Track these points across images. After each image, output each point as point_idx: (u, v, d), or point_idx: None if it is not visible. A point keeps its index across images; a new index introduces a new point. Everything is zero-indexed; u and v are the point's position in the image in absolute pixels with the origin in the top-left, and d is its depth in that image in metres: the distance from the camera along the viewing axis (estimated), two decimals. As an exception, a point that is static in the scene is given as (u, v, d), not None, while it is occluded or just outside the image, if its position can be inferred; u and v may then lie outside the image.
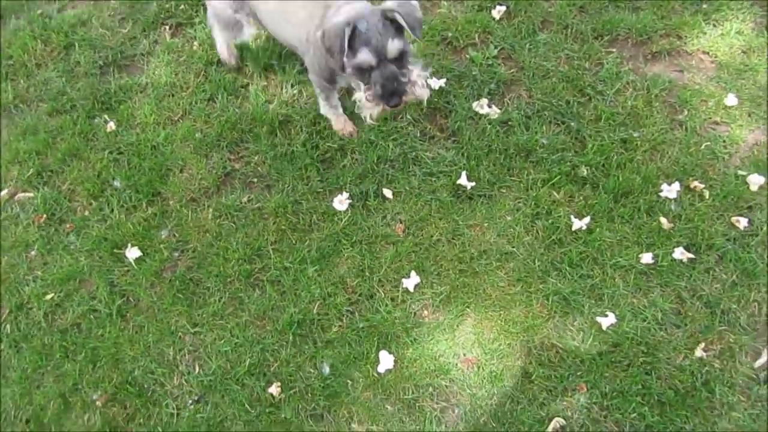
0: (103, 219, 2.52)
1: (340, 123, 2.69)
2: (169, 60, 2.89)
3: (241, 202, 2.54)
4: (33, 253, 2.46)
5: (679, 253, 2.36)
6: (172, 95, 2.80)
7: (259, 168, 2.62)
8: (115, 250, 2.44)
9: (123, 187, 2.57)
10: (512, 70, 2.82)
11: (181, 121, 2.74)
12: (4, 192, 2.58)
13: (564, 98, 2.72)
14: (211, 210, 2.52)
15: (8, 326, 2.33)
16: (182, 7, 3.03)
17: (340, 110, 2.68)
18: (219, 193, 2.58)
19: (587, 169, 2.54)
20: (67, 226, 2.52)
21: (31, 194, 2.59)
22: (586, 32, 2.89)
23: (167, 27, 3.01)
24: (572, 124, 2.66)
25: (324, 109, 2.66)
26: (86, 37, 2.96)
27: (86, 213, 2.54)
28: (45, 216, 2.53)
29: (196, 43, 2.94)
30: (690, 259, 2.33)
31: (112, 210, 2.53)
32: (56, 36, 2.95)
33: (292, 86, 2.82)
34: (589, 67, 2.81)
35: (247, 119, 2.72)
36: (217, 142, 2.67)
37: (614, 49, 2.85)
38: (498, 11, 2.96)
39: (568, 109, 2.69)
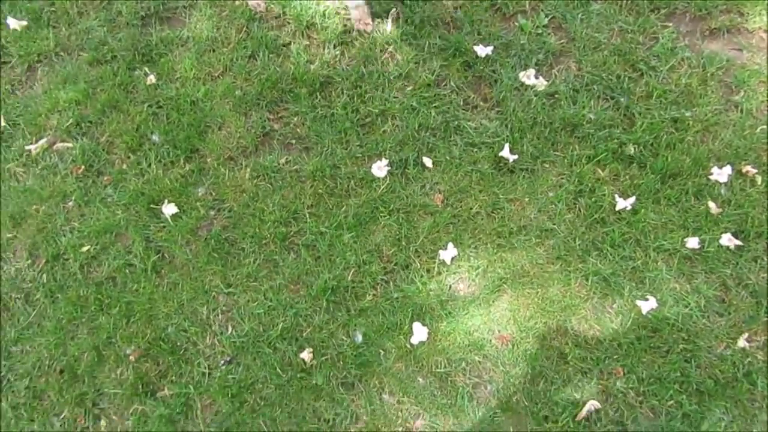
0: (140, 173, 2.50)
1: (357, 11, 2.71)
2: (211, 14, 2.83)
3: (279, 164, 2.51)
4: (70, 204, 2.46)
5: (727, 240, 2.28)
6: (213, 50, 2.75)
7: (298, 129, 2.58)
8: (151, 206, 2.43)
9: (161, 141, 2.55)
10: (562, 41, 2.71)
11: (221, 77, 2.70)
12: (43, 141, 2.57)
13: (615, 73, 2.61)
14: (248, 170, 2.49)
15: (44, 276, 2.35)
16: (225, -39, 2.96)
17: None
18: (257, 153, 2.54)
19: (635, 148, 2.46)
20: (105, 178, 2.51)
21: (70, 144, 2.58)
22: (642, 5, 2.76)
23: (209, -19, 2.94)
24: (621, 99, 2.56)
25: None
26: (128, -13, 2.92)
27: (124, 166, 2.52)
28: (83, 167, 2.52)
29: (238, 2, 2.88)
30: (737, 247, 2.26)
31: (150, 164, 2.51)
32: (97, -16, 2.91)
33: (334, 47, 2.75)
34: (642, 42, 2.69)
35: (288, 79, 2.66)
36: (257, 101, 2.63)
37: (671, 24, 2.72)
38: (551, -22, 2.84)
39: (618, 84, 2.59)
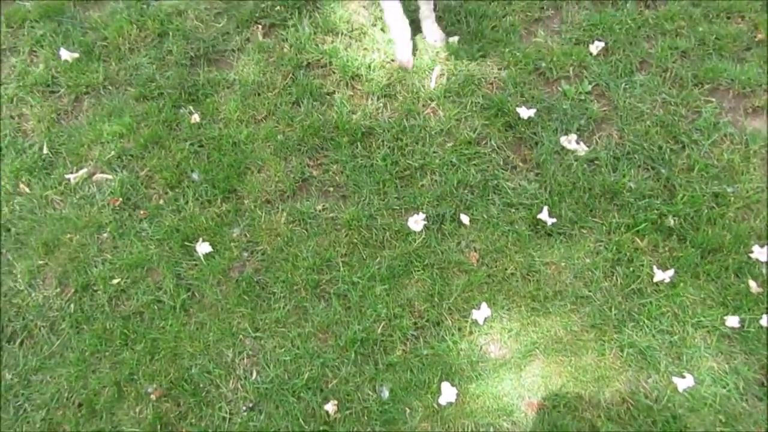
0: (177, 210, 2.51)
1: (402, 51, 2.82)
2: (259, 59, 2.89)
3: (316, 210, 2.50)
4: (105, 235, 2.46)
5: (767, 321, 2.22)
6: (258, 94, 2.79)
7: (336, 177, 2.58)
8: (185, 243, 2.42)
9: (200, 180, 2.56)
10: (604, 109, 2.72)
11: (264, 121, 2.73)
12: (84, 171, 2.60)
13: (656, 143, 2.61)
14: (284, 214, 2.49)
15: (72, 306, 2.33)
16: (278, 8, 3.03)
17: (407, 31, 2.79)
18: (294, 198, 2.54)
19: (675, 220, 2.43)
20: (141, 212, 2.51)
21: (110, 176, 2.60)
22: (686, 78, 2.78)
23: (260, 26, 3.01)
24: (662, 170, 2.55)
25: (389, 17, 2.78)
26: (181, 27, 2.98)
27: (161, 202, 2.53)
28: (120, 200, 2.53)
29: (287, 45, 2.93)
30: (780, 329, 2.20)
31: (187, 202, 2.52)
32: (152, 23, 2.98)
33: (377, 99, 2.78)
34: (685, 114, 2.70)
35: (330, 127, 2.69)
36: (298, 147, 2.65)
37: (714, 99, 2.73)
38: (596, 47, 2.87)
39: (659, 155, 2.59)
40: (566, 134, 2.65)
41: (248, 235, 2.46)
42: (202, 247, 2.40)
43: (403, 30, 2.81)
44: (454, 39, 2.93)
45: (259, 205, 2.52)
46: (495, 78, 2.83)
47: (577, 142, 2.65)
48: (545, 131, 2.66)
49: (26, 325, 2.32)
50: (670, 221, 2.44)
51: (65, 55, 2.86)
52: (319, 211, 2.51)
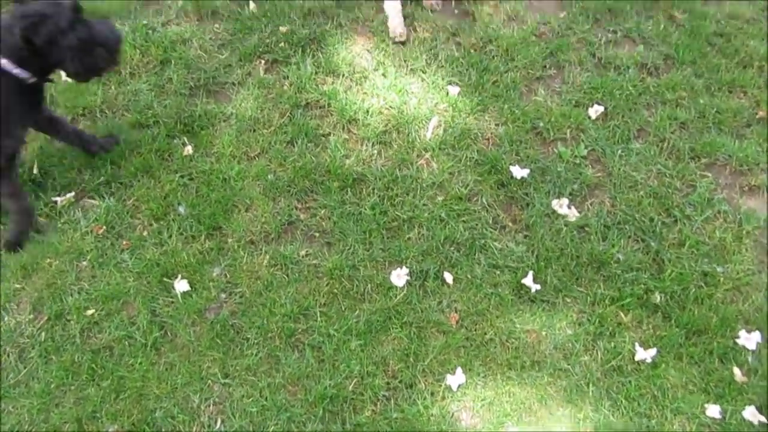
0: (159, 243, 2.48)
1: (394, 22, 3.09)
2: (258, 95, 2.88)
3: (299, 255, 2.47)
4: (84, 263, 2.43)
5: (750, 414, 2.17)
6: (254, 131, 2.78)
7: (323, 223, 2.56)
8: (164, 278, 2.39)
9: (186, 214, 2.54)
10: (599, 174, 2.70)
11: (257, 158, 2.71)
12: (71, 195, 2.57)
13: (648, 215, 2.59)
14: (267, 257, 2.46)
15: (43, 334, 2.29)
16: (282, 45, 3.03)
17: (399, 8, 3.11)
18: (279, 241, 2.51)
19: (661, 297, 2.39)
20: (124, 242, 2.48)
21: (97, 202, 2.57)
22: (683, 150, 2.76)
23: (263, 61, 3.01)
24: (652, 244, 2.52)
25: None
26: (183, 56, 2.98)
27: (145, 233, 2.51)
28: (104, 228, 2.50)
29: (287, 82, 2.93)
30: (762, 423, 2.14)
31: (171, 236, 2.49)
32: (155, 49, 2.98)
33: (372, 145, 2.76)
34: (680, 187, 2.67)
35: (322, 170, 2.67)
36: (288, 188, 2.63)
37: (710, 174, 2.71)
38: (595, 110, 2.86)
39: (650, 227, 2.56)
40: (558, 198, 2.63)
41: (228, 276, 2.43)
42: (180, 285, 2.37)
43: (396, 6, 3.14)
44: (455, 90, 2.92)
45: (243, 245, 2.49)
46: (492, 133, 2.81)
47: (569, 207, 2.62)
48: (537, 193, 2.64)
49: (-5, 349, 2.29)
50: (657, 297, 2.40)
51: (65, 75, 2.85)
52: (302, 257, 2.48)
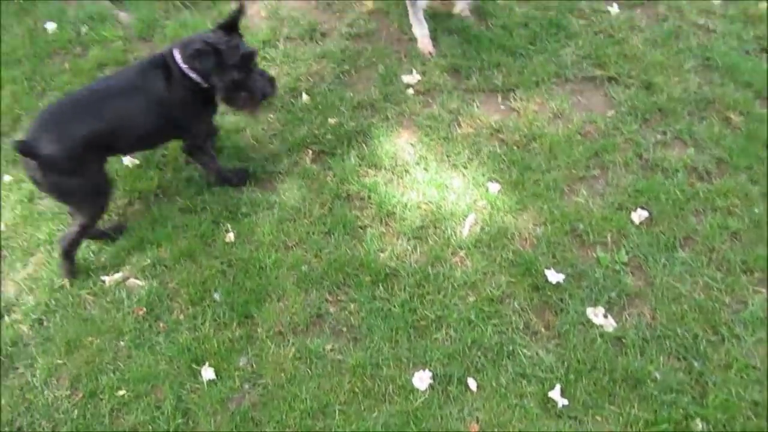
0: (193, 328, 2.57)
1: (424, 42, 3.53)
2: (302, 185, 2.99)
3: (324, 350, 2.49)
4: (122, 343, 2.55)
5: None
6: (294, 220, 2.88)
7: (351, 317, 2.58)
8: (193, 365, 2.47)
9: (221, 300, 2.63)
10: (639, 283, 2.60)
11: (294, 248, 2.79)
12: (119, 275, 2.73)
13: (692, 330, 2.45)
14: (293, 349, 2.50)
15: (76, 411, 2.39)
16: (329, 136, 3.15)
17: (426, 28, 3.53)
18: (306, 333, 2.55)
19: (703, 425, 2.24)
20: (161, 325, 2.59)
21: (142, 283, 2.71)
22: (734, 262, 2.62)
23: (310, 152, 3.13)
24: (695, 363, 2.38)
25: (412, 21, 3.54)
26: (236, 144, 3.15)
27: (181, 317, 2.61)
28: (145, 309, 2.63)
29: (331, 174, 3.02)
30: None
31: (204, 322, 2.58)
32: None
33: (408, 240, 2.79)
34: (729, 303, 2.53)
35: (356, 263, 2.71)
36: (320, 280, 2.68)
37: (764, 290, 2.56)
38: (639, 215, 2.78)
39: (694, 345, 2.42)
40: (594, 306, 2.54)
41: (254, 366, 2.47)
42: (207, 373, 2.44)
43: (423, 27, 3.52)
44: (495, 188, 2.93)
45: (271, 335, 2.54)
46: (529, 234, 2.78)
47: (605, 316, 2.53)
48: (573, 299, 2.57)
49: (32, 422, 2.40)
50: (698, 425, 2.24)
51: (127, 161, 3.08)
52: (328, 351, 2.49)
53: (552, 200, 2.87)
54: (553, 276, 2.63)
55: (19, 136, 3.22)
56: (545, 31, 3.56)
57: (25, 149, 2.40)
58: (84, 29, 3.69)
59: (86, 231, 2.69)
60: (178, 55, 2.60)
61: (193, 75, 2.60)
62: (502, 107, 3.28)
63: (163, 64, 2.62)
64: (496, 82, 3.34)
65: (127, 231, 2.86)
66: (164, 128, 2.72)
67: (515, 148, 3.09)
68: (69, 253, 2.69)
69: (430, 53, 3.50)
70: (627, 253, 2.68)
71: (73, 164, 2.47)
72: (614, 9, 3.68)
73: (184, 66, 2.59)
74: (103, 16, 3.75)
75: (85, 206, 2.64)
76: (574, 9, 3.69)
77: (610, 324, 2.51)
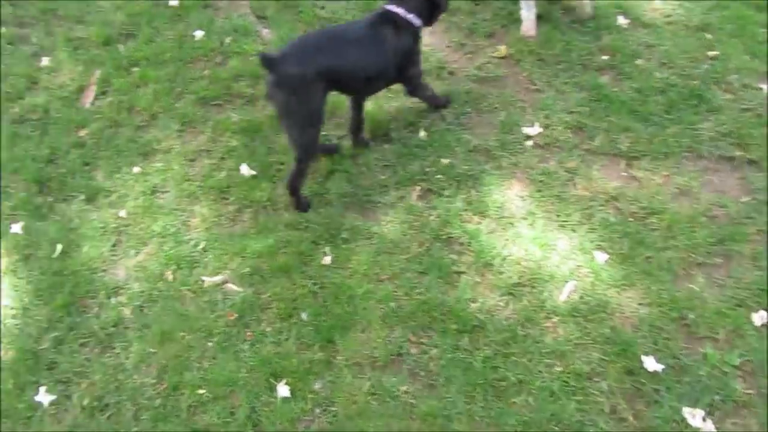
0: (277, 343, 2.63)
1: (527, 25, 3.75)
2: (404, 220, 3.00)
3: (399, 390, 2.47)
4: (210, 344, 2.66)
5: None
6: (391, 254, 2.89)
7: (431, 363, 2.54)
8: (271, 379, 2.52)
9: (308, 321, 2.68)
10: (750, 392, 2.38)
11: (386, 282, 2.80)
12: (219, 278, 2.86)
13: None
14: (368, 383, 2.49)
15: (159, 400, 2.52)
16: (439, 176, 3.14)
17: (533, 12, 3.73)
18: (384, 370, 2.54)
19: None
20: (248, 333, 2.68)
21: (238, 289, 2.82)
22: None
23: (418, 188, 3.14)
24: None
25: (521, 3, 3.74)
26: (349, 170, 3.21)
27: (268, 329, 2.68)
28: (236, 315, 2.73)
29: (435, 214, 3.01)
30: None
31: (288, 339, 2.64)
32: (325, 159, 3.26)
33: (501, 294, 2.72)
34: None
35: (444, 309, 2.67)
36: (407, 319, 2.66)
37: None
38: (760, 317, 2.55)
39: (802, 473, 2.18)
40: (693, 406, 2.35)
41: (328, 392, 2.49)
42: (282, 389, 2.48)
43: (531, 9, 3.72)
44: (602, 257, 2.79)
45: (350, 365, 2.55)
46: (631, 313, 2.63)
47: (704, 420, 2.33)
48: (669, 393, 2.39)
49: (119, 402, 2.55)
50: None
51: (245, 170, 3.22)
52: (402, 392, 2.47)
53: (663, 282, 2.69)
54: (651, 364, 2.46)
55: (154, 131, 3.48)
56: (684, 101, 3.37)
57: (266, 62, 2.79)
58: (227, 40, 3.92)
59: (302, 167, 3.00)
60: (399, 10, 3.04)
61: (416, 21, 3.07)
62: (624, 174, 3.13)
63: (388, 19, 3.04)
64: (621, 147, 3.20)
65: (233, 236, 2.99)
66: (390, 73, 3.12)
67: (631, 219, 2.94)
68: (295, 190, 3.04)
69: (531, 37, 3.71)
70: (740, 356, 2.46)
71: (303, 87, 2.84)
72: (767, 88, 3.44)
73: (409, 15, 3.04)
74: (247, 30, 3.97)
75: (302, 131, 2.94)
76: (721, 81, 3.47)
77: (708, 429, 2.31)
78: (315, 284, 2.81)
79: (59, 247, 3.01)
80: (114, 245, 3.03)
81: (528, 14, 3.73)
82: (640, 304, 2.66)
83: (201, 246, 3.00)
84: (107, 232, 3.07)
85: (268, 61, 2.79)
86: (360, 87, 3.14)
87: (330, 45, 2.95)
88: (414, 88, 3.30)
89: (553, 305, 2.68)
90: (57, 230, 3.08)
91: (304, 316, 2.71)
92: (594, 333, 2.58)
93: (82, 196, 3.22)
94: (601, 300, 2.68)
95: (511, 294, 2.74)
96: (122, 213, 3.14)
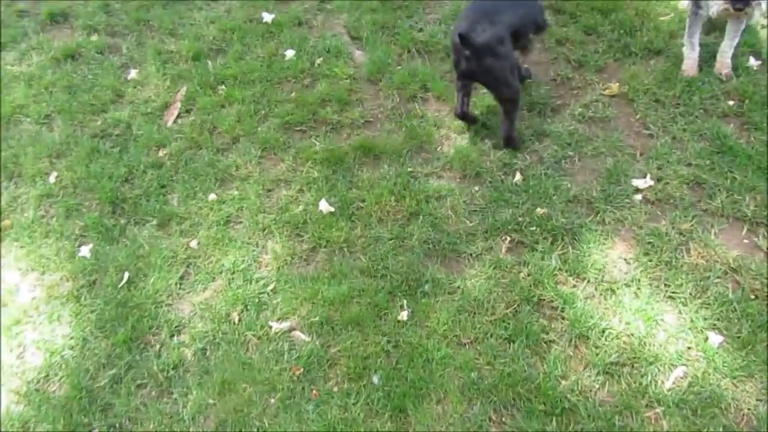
0: (344, 407, 2.42)
1: (689, 63, 3.44)
2: (491, 275, 2.73)
3: (474, 478, 2.22)
4: (273, 400, 2.47)
5: None
6: (474, 314, 2.62)
7: (509, 450, 2.27)
8: (332, 448, 2.33)
9: (379, 385, 2.45)
10: None
11: (467, 347, 2.53)
12: (287, 324, 2.68)
13: None
14: (441, 466, 2.25)
15: (215, 454, 2.38)
16: (533, 228, 2.85)
17: (696, 52, 3.41)
18: (457, 451, 2.29)
19: None
20: (314, 391, 2.48)
21: (307, 338, 2.63)
22: None
23: (508, 239, 2.85)
24: None
25: (685, 40, 3.44)
26: (434, 212, 2.97)
27: (335, 389, 2.48)
28: (302, 370, 2.54)
29: (525, 271, 2.72)
30: None
31: (357, 402, 2.42)
32: (409, 199, 3.02)
33: (597, 373, 2.41)
34: None
35: (531, 384, 2.39)
36: (488, 393, 2.39)
37: None
38: None
39: None
40: None
41: (395, 471, 2.27)
42: (346, 463, 2.28)
43: (695, 50, 3.41)
44: (717, 340, 2.43)
45: (421, 441, 2.32)
46: (749, 411, 2.26)
47: None
48: None
49: (174, 450, 2.42)
50: None
51: (323, 206, 3.03)
52: (478, 481, 2.21)
53: (790, 377, 2.31)
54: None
55: (234, 156, 3.34)
56: (821, 161, 2.94)
57: (466, 39, 2.93)
58: (318, 61, 3.74)
59: (515, 115, 3.18)
60: None
61: None
62: (746, 242, 2.74)
63: None
64: (746, 211, 2.80)
65: (305, 279, 2.81)
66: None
67: (753, 297, 2.55)
68: (512, 140, 3.20)
69: (691, 75, 3.43)
70: None
71: (500, 48, 3.01)
72: None
73: None
74: (339, 51, 3.78)
75: (509, 85, 3.10)
76: None
77: None
78: (389, 342, 2.58)
79: (126, 275, 2.92)
80: (182, 277, 2.91)
81: (691, 53, 3.42)
82: (758, 399, 2.29)
83: (271, 287, 2.83)
84: (176, 263, 2.95)
85: (465, 40, 2.95)
86: (526, 40, 3.33)
87: (495, 9, 3.12)
88: (540, 31, 3.46)
89: (656, 392, 2.34)
90: (126, 256, 2.98)
91: (375, 379, 2.47)
92: (704, 430, 2.24)
93: (155, 221, 3.11)
94: (713, 391, 2.32)
95: (608, 373, 2.42)
96: (193, 243, 3.01)
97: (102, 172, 3.35)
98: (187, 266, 2.95)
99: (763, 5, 3.28)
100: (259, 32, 3.98)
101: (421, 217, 2.98)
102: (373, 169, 3.21)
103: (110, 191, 3.25)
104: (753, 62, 3.43)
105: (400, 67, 3.65)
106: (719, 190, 2.89)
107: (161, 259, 2.96)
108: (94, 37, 4.12)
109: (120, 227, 3.13)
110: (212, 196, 3.18)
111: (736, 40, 3.37)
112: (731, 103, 3.25)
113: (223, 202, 3.15)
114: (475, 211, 2.99)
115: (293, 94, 3.59)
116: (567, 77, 3.51)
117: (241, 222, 3.08)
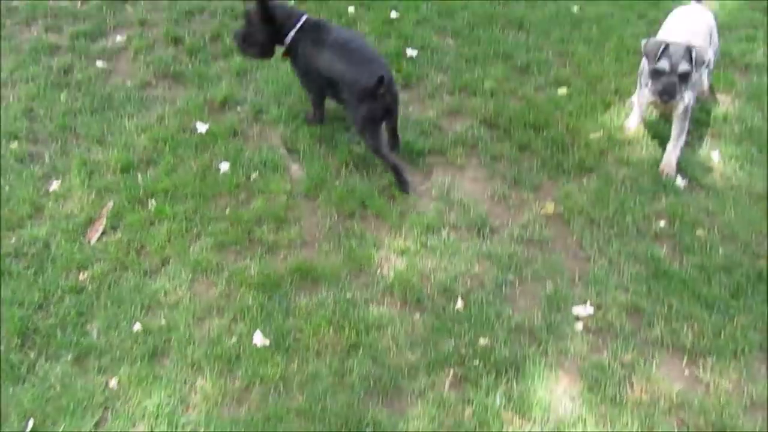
0: None
1: (631, 121, 3.90)
2: (435, 417, 2.59)
3: None
4: None
5: None
6: (418, 463, 2.48)
7: None
8: None
9: None
10: None
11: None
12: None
13: None
14: None
15: None
16: (476, 362, 2.76)
17: (639, 115, 3.88)
18: None
19: None
20: None
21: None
22: None
23: (452, 373, 2.75)
24: None
25: (635, 99, 3.87)
26: (374, 344, 2.84)
27: None
28: None
29: (469, 410, 2.61)
30: None
31: None
32: (349, 329, 2.88)
33: None
34: None
35: None
36: None
37: None
38: None
39: None
40: None
41: None
42: None
43: (638, 115, 3.87)
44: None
45: None
46: None
47: None
48: None
49: None
50: None
51: (258, 339, 2.85)
52: None
53: None
54: None
55: (163, 279, 3.13)
56: (752, 285, 3.02)
57: (384, 79, 3.31)
58: (254, 175, 3.60)
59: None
60: None
61: None
62: (686, 374, 2.74)
63: None
64: (684, 341, 2.82)
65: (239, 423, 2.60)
66: None
67: (696, 436, 2.53)
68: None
69: (628, 130, 3.89)
70: None
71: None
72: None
73: None
74: (276, 164, 3.65)
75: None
76: (794, 263, 3.13)
77: None
78: (328, 497, 2.40)
79: (30, 422, 2.59)
80: (97, 424, 2.60)
81: (636, 111, 3.87)
82: None
83: None
84: (92, 406, 2.64)
85: (383, 79, 3.31)
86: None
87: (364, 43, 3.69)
88: None
89: None
90: (32, 399, 2.65)
91: None
92: None
93: (70, 356, 2.80)
94: None
95: None
96: (113, 382, 2.74)
97: (12, 298, 3.05)
98: (105, 409, 2.66)
99: (704, 79, 3.90)
100: (193, 143, 3.82)
101: (361, 349, 2.83)
102: (311, 294, 3.07)
103: (20, 320, 2.93)
104: (680, 181, 3.56)
105: (338, 183, 3.58)
106: (657, 318, 2.91)
107: (74, 401, 2.66)
108: (14, 145, 3.84)
109: (29, 363, 2.81)
110: (137, 326, 2.94)
111: (681, 140, 3.56)
112: (662, 223, 3.33)
113: (149, 333, 2.91)
114: (416, 342, 2.87)
115: (228, 211, 3.44)
116: (504, 195, 3.53)
117: (167, 356, 2.85)
